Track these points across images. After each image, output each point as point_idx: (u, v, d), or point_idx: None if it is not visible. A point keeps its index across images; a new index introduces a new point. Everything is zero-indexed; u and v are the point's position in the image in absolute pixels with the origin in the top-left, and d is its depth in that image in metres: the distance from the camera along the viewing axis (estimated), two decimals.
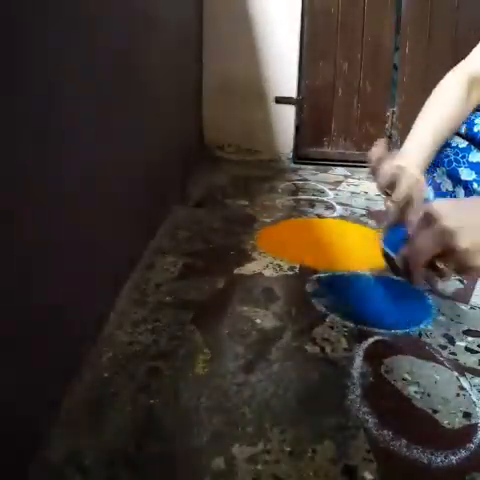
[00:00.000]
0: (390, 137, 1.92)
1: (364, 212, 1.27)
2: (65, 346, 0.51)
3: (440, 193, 0.93)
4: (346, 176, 1.74)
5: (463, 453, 0.45)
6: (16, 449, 0.41)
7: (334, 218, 1.20)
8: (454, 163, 0.91)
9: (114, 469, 0.43)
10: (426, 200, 0.74)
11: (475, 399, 0.53)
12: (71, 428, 0.47)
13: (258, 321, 0.68)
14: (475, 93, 0.84)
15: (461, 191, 0.84)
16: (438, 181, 0.96)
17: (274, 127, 1.90)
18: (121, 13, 0.71)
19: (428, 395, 0.53)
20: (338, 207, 1.30)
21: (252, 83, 1.86)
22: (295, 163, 1.92)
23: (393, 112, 1.91)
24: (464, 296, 0.77)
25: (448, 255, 0.53)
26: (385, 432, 0.48)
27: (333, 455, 0.45)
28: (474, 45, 0.86)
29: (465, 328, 0.68)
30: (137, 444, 0.46)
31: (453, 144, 0.91)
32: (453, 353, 0.61)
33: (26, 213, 0.41)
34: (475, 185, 0.82)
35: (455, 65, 0.88)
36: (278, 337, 0.64)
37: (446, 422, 0.49)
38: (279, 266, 0.88)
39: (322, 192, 1.48)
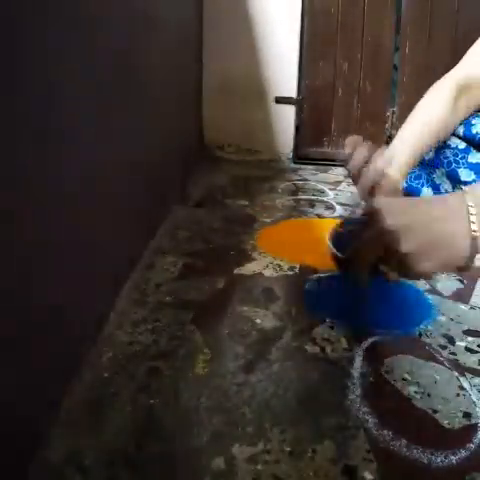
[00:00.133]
0: (390, 137, 1.91)
1: None
2: (65, 346, 0.51)
3: (440, 194, 0.93)
4: (346, 176, 1.74)
5: (463, 453, 0.45)
6: (16, 449, 0.41)
7: (334, 218, 1.20)
8: (453, 164, 0.91)
9: (114, 469, 0.43)
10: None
11: (475, 399, 0.53)
12: (71, 428, 0.47)
13: (258, 321, 0.68)
14: (464, 99, 0.84)
15: None
16: (437, 182, 0.96)
17: (274, 127, 1.90)
18: (121, 13, 0.71)
19: (428, 395, 0.53)
20: (338, 207, 1.30)
21: (252, 83, 1.86)
22: (295, 163, 1.92)
23: (393, 112, 1.91)
24: (464, 296, 0.77)
25: (390, 258, 0.49)
26: (385, 432, 0.48)
27: (333, 455, 0.45)
28: None
29: (465, 328, 0.68)
30: (137, 444, 0.46)
31: (452, 145, 0.91)
32: (453, 353, 0.61)
33: (26, 213, 0.41)
34: None
35: (455, 65, 0.89)
36: (278, 337, 0.64)
37: (446, 422, 0.49)
38: (279, 266, 0.88)
39: (322, 192, 1.48)
